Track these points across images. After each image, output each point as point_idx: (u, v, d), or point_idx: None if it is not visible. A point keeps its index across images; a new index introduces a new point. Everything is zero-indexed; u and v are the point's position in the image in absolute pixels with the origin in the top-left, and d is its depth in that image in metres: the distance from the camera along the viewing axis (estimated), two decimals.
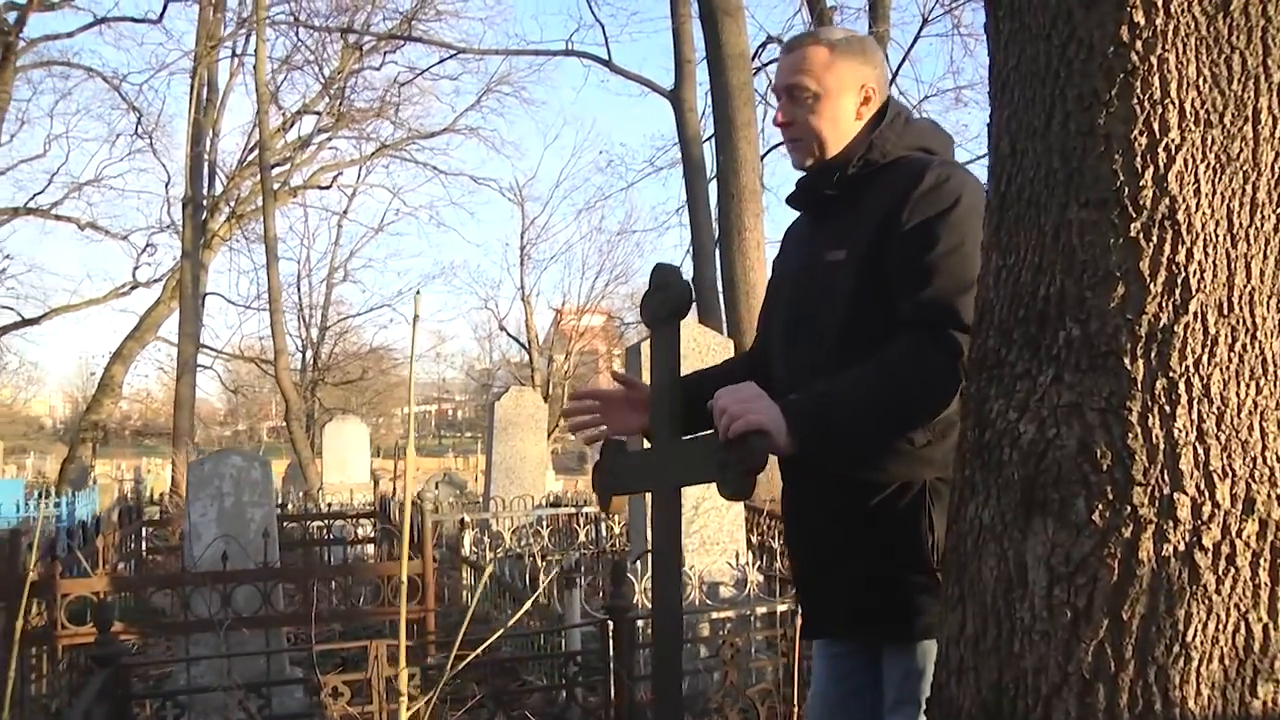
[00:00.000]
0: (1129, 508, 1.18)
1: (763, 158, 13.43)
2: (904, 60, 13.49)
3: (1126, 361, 1.20)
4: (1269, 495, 1.18)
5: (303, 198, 21.42)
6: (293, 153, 18.96)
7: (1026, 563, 1.25)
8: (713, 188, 12.62)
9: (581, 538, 6.99)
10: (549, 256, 40.16)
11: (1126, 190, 1.23)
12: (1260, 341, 1.19)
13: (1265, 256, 1.21)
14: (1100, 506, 1.19)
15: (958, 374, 1.52)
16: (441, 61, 16.10)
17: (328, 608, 3.86)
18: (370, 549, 7.10)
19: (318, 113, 18.62)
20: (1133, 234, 1.22)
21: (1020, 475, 1.27)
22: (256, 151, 17.90)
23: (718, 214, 10.85)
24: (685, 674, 3.39)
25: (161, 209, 20.90)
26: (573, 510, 8.07)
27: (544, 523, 7.41)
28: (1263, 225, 1.22)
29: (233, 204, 18.16)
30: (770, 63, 16.61)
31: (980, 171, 1.83)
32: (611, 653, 2.95)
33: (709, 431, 1.53)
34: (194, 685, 2.76)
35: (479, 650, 1.26)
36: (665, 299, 1.63)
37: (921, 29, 12.96)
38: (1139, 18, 1.24)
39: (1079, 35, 1.28)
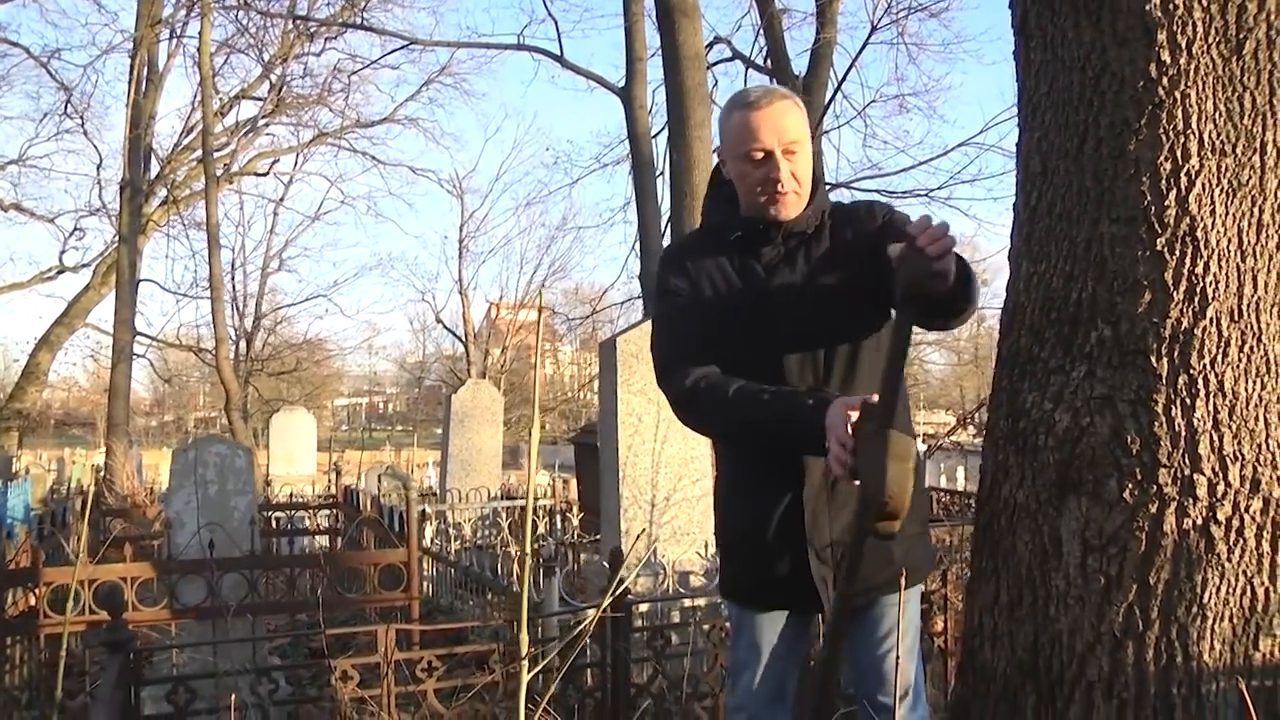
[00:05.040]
0: (1155, 487, 1.35)
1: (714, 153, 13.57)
2: (851, 66, 13.74)
3: (1153, 360, 1.37)
4: (1271, 476, 1.36)
5: (238, 184, 20.97)
6: (230, 138, 18.56)
7: (1061, 536, 1.42)
8: (660, 185, 12.74)
9: (541, 529, 7.07)
10: (488, 250, 39.76)
11: (1153, 209, 1.40)
12: (1265, 344, 1.37)
13: (1269, 270, 1.39)
14: (1130, 486, 1.36)
15: None
16: (392, 52, 15.92)
17: (313, 596, 3.90)
18: (325, 540, 7.08)
19: (258, 98, 18.26)
20: (1158, 248, 1.39)
21: (1056, 459, 1.43)
22: (194, 135, 17.50)
23: (669, 212, 10.98)
24: (668, 658, 3.52)
25: (91, 191, 20.20)
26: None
27: (500, 514, 7.47)
28: (1267, 243, 1.40)
29: (168, 188, 17.70)
30: (718, 63, 16.76)
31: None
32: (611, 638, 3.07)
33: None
34: (207, 670, 2.80)
35: (603, 605, 1.37)
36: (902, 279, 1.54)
37: (870, 36, 13.22)
38: (1165, 56, 1.41)
39: (1112, 69, 1.44)
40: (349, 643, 4.20)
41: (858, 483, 1.54)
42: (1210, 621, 1.33)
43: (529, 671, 1.16)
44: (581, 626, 1.57)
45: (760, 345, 2.06)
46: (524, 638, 1.15)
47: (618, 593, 3.13)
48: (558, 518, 7.80)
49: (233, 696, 1.75)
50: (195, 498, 3.79)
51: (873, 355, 2.03)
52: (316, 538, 6.99)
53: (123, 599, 2.62)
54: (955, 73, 48.52)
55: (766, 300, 2.06)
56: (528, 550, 1.17)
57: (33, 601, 4.02)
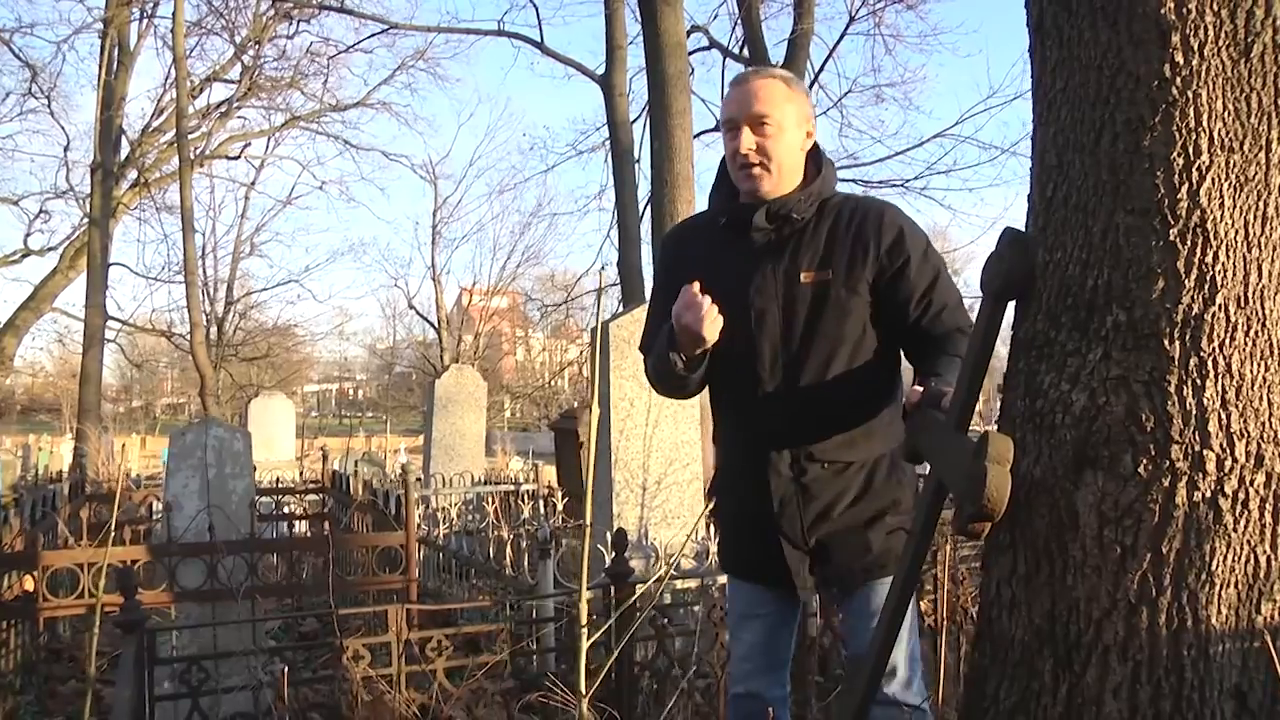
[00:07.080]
0: (1168, 462, 1.44)
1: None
2: (829, 57, 13.87)
3: (1166, 343, 1.46)
4: (1274, 452, 1.45)
5: (209, 167, 20.72)
6: (201, 120, 18.32)
7: (1078, 509, 1.50)
8: (638, 172, 12.77)
9: (526, 514, 7.13)
10: (461, 236, 39.70)
11: (1166, 202, 1.48)
12: (1269, 329, 1.46)
13: (1273, 260, 1.48)
14: (1144, 461, 1.45)
15: None
16: (370, 37, 15.74)
17: (309, 579, 3.94)
18: (315, 524, 7.10)
19: (230, 81, 18.03)
20: (1171, 238, 1.48)
21: (1073, 436, 1.52)
22: (165, 117, 17.27)
23: (649, 200, 11.02)
24: (670, 635, 3.60)
25: (58, 173, 19.89)
26: (512, 487, 8.20)
27: (484, 499, 7.52)
28: (1271, 234, 1.48)
29: (138, 171, 17.46)
30: (695, 51, 16.80)
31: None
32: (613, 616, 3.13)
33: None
34: (207, 651, 2.83)
35: (651, 582, 1.44)
36: (998, 272, 1.64)
37: (847, 27, 13.36)
38: (1179, 58, 1.49)
39: (1128, 69, 1.52)
40: (346, 625, 4.25)
41: (926, 467, 1.65)
42: (1218, 588, 1.42)
43: (587, 638, 1.23)
44: (632, 599, 1.62)
45: (734, 332, 2.09)
46: (584, 606, 1.21)
47: (625, 572, 3.20)
48: (541, 503, 7.86)
49: (284, 671, 1.79)
50: (193, 481, 3.80)
51: (851, 354, 2.08)
52: (304, 522, 7.01)
53: (134, 580, 2.65)
54: (931, 64, 48.94)
55: (744, 286, 2.09)
56: (587, 522, 1.23)
57: (27, 586, 4.02)
